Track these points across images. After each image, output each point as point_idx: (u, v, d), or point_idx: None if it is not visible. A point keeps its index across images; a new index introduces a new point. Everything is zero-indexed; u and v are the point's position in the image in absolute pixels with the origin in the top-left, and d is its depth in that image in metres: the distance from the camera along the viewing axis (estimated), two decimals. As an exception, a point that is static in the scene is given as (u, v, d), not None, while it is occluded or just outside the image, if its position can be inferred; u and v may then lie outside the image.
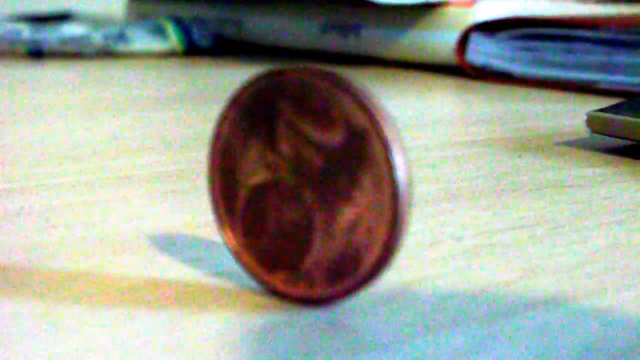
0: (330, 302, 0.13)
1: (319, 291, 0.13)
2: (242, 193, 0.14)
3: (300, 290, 0.13)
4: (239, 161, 0.14)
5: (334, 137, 0.13)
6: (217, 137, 0.14)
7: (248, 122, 0.13)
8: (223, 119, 0.13)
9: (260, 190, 0.13)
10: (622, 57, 0.37)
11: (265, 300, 0.14)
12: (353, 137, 0.12)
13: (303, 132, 0.13)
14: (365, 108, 0.12)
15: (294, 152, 0.13)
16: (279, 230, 0.13)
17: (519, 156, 0.24)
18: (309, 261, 0.13)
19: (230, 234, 0.14)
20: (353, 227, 0.13)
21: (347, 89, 0.12)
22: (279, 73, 0.13)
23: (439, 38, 0.43)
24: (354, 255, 0.13)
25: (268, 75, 0.13)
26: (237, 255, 0.14)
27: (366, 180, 0.12)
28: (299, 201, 0.13)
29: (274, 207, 0.13)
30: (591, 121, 0.25)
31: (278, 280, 0.14)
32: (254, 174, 0.13)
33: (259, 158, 0.13)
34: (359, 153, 0.12)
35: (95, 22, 0.52)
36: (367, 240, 0.13)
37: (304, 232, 0.13)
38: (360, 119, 0.12)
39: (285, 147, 0.13)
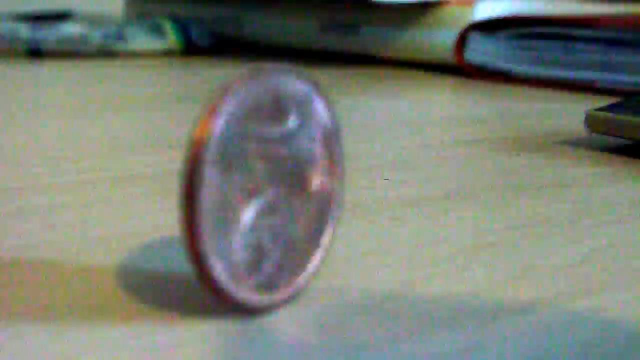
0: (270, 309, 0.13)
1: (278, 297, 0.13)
2: (237, 238, 0.13)
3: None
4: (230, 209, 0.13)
5: (292, 122, 0.13)
6: (196, 201, 0.12)
7: (226, 171, 0.12)
8: (200, 180, 0.12)
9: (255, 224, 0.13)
10: (620, 56, 0.37)
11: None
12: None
13: (268, 136, 0.13)
14: (303, 79, 0.13)
15: (267, 162, 0.13)
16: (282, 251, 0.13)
17: (518, 155, 0.24)
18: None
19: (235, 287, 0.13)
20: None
21: (271, 74, 0.12)
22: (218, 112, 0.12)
23: (437, 37, 0.43)
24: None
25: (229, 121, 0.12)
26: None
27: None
28: (290, 213, 0.13)
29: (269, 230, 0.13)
30: (590, 120, 0.25)
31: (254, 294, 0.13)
32: (244, 211, 0.13)
33: (242, 194, 0.13)
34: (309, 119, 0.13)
35: (94, 21, 0.52)
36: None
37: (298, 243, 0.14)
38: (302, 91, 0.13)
39: (259, 164, 0.13)
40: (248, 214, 0.12)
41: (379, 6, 0.45)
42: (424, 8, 0.44)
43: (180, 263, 0.15)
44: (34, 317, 0.13)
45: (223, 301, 0.12)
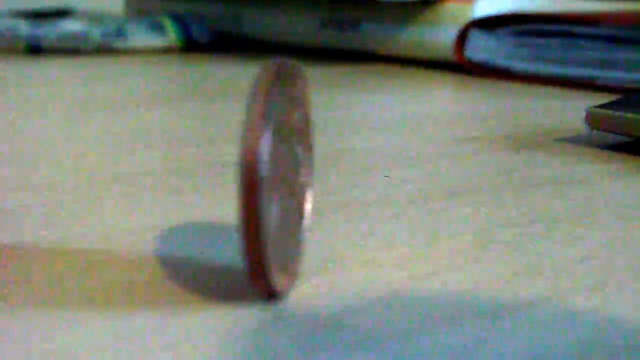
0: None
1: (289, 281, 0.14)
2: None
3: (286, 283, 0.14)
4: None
5: (298, 115, 0.14)
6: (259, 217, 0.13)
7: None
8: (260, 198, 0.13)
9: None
10: (621, 54, 0.37)
11: (264, 298, 0.14)
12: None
13: (284, 132, 0.14)
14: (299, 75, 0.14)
15: (283, 157, 0.14)
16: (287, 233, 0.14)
17: (518, 153, 0.24)
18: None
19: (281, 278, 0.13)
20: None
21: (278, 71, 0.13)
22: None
23: (438, 34, 0.43)
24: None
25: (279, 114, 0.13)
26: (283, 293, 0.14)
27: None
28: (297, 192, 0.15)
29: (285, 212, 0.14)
30: (590, 117, 0.25)
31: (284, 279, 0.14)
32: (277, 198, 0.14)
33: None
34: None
35: (94, 18, 0.52)
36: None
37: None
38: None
39: (281, 160, 0.14)
40: (276, 207, 0.13)
41: (379, 3, 0.45)
42: (424, 5, 0.44)
43: (179, 259, 0.15)
44: (32, 314, 0.13)
45: (259, 287, 0.13)
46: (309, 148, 0.15)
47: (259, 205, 0.12)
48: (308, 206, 0.15)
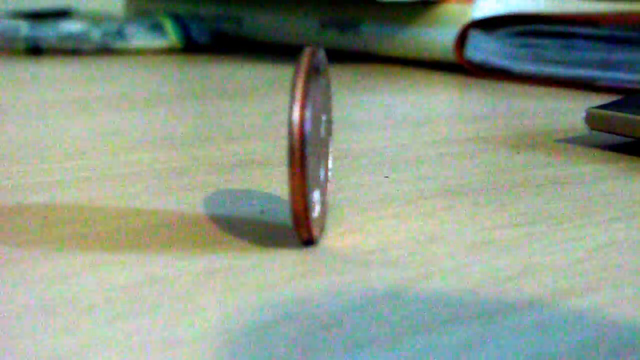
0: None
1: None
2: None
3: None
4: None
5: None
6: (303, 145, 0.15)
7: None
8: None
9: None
10: (621, 54, 0.37)
11: (263, 296, 0.14)
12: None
13: (320, 105, 0.17)
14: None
15: (319, 128, 0.16)
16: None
17: (518, 153, 0.24)
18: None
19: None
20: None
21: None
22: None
23: (437, 35, 0.43)
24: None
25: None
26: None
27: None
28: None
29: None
30: (590, 118, 0.25)
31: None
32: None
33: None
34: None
35: (94, 18, 0.52)
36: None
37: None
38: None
39: (318, 130, 0.16)
40: (316, 171, 0.16)
41: (379, 4, 0.45)
42: (424, 5, 0.44)
43: (179, 259, 0.15)
44: (33, 315, 0.13)
45: (302, 234, 0.15)
46: (329, 121, 0.18)
47: (305, 169, 0.15)
48: (329, 170, 0.18)
